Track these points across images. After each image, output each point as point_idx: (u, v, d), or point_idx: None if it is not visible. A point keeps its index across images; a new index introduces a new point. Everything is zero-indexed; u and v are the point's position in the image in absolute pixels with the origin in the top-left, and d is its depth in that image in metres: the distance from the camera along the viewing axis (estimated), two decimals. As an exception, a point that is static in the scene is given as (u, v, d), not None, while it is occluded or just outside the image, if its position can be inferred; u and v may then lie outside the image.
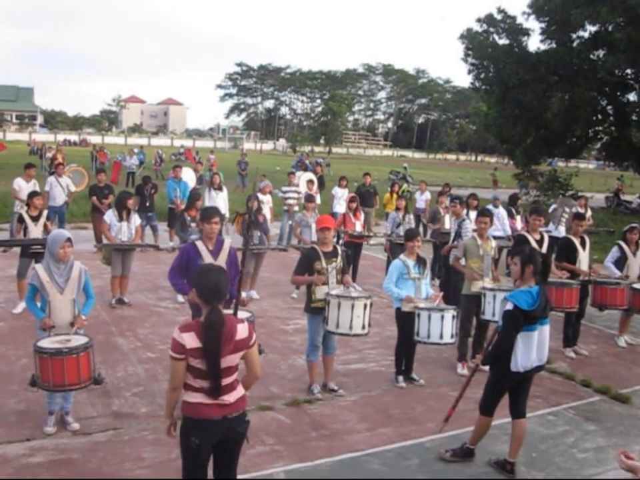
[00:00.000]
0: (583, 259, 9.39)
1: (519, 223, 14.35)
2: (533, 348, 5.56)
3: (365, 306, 7.14)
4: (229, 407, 4.12)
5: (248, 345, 4.17)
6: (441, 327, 7.40)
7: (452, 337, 7.52)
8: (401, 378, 7.90)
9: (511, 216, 14.22)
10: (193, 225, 10.93)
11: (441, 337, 7.44)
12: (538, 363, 5.66)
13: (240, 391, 4.23)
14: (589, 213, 15.44)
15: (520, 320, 5.42)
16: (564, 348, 9.47)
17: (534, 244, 8.78)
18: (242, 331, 4.13)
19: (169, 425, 4.30)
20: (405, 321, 7.71)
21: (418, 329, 7.52)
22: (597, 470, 6.03)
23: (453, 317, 7.50)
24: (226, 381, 4.08)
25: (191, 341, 3.97)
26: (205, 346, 3.95)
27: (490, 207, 12.74)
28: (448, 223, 13.03)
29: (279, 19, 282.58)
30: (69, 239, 6.19)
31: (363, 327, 7.17)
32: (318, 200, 16.08)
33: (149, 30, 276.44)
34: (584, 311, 9.66)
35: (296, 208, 16.10)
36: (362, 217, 12.84)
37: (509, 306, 5.45)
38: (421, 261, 7.91)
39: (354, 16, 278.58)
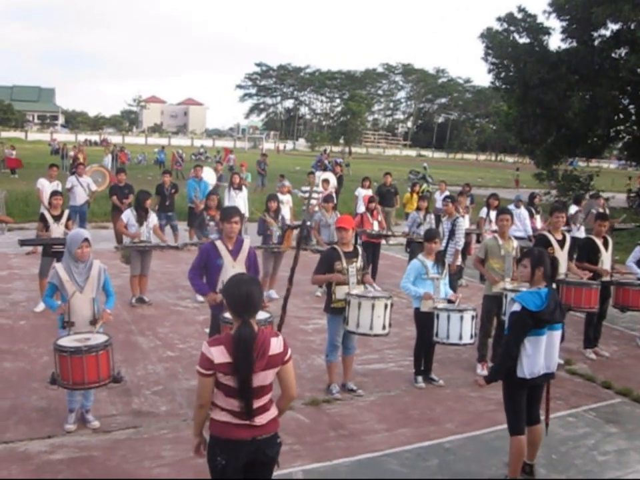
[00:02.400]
0: (605, 259, 9.28)
1: (538, 223, 14.28)
2: (541, 354, 5.36)
3: (386, 306, 7.12)
4: (259, 429, 3.86)
5: (282, 360, 3.88)
6: (460, 327, 7.36)
7: (471, 337, 7.47)
8: (420, 378, 7.88)
9: (530, 215, 14.15)
10: (212, 223, 10.96)
11: (460, 337, 7.39)
12: (546, 370, 5.45)
13: (272, 413, 3.97)
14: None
15: (528, 322, 5.26)
16: (585, 349, 9.38)
17: (555, 244, 8.71)
18: (276, 345, 3.84)
19: (197, 444, 4.05)
20: (424, 321, 7.68)
21: (437, 329, 7.48)
22: (618, 473, 5.96)
23: (473, 317, 7.46)
24: (258, 403, 3.83)
25: (219, 355, 3.71)
26: (236, 362, 3.68)
27: (511, 207, 12.65)
28: (467, 223, 12.98)
29: (298, 19, 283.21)
30: (86, 239, 6.23)
31: (384, 327, 7.15)
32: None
33: (169, 31, 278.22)
34: (606, 312, 9.56)
35: (316, 208, 16.09)
36: (380, 216, 12.82)
37: (516, 307, 5.30)
38: (439, 261, 7.88)
39: (374, 15, 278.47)
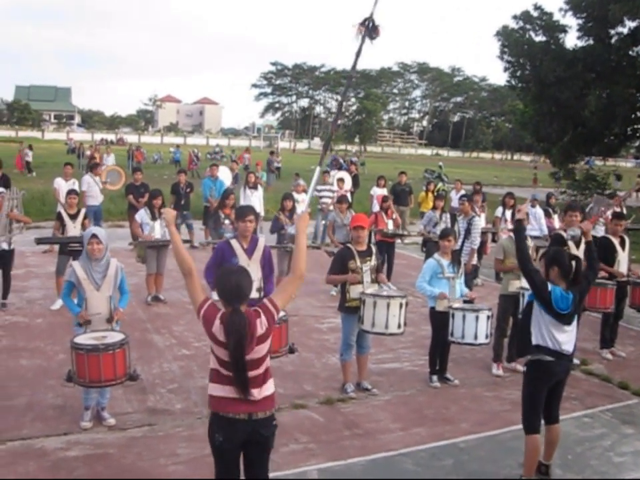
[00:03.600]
0: (622, 259, 9.20)
1: (556, 222, 14.19)
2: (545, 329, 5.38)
3: (401, 305, 7.11)
4: (255, 405, 4.03)
5: (268, 335, 4.06)
6: (475, 327, 7.34)
7: (486, 337, 7.45)
8: (435, 378, 7.86)
9: (547, 215, 14.07)
10: (227, 222, 10.96)
11: (476, 337, 7.37)
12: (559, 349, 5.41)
13: (269, 389, 4.13)
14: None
15: (548, 301, 5.26)
16: (601, 349, 9.32)
17: (570, 243, 8.65)
18: (260, 327, 4.00)
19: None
20: (439, 320, 7.67)
21: (452, 329, 7.47)
22: (635, 474, 5.92)
23: (488, 317, 7.43)
24: (253, 373, 4.00)
25: (219, 331, 3.93)
26: (229, 345, 3.90)
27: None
28: (483, 221, 12.93)
29: (313, 18, 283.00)
30: (94, 235, 6.26)
31: (399, 326, 7.14)
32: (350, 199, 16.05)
33: (184, 30, 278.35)
34: (622, 312, 9.49)
35: (331, 207, 16.11)
36: (395, 215, 12.80)
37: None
38: (455, 260, 7.86)
39: (389, 14, 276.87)
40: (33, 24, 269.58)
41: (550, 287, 5.29)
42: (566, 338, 5.41)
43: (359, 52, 4.83)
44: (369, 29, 4.72)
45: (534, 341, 5.43)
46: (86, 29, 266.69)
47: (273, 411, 4.15)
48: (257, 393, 4.03)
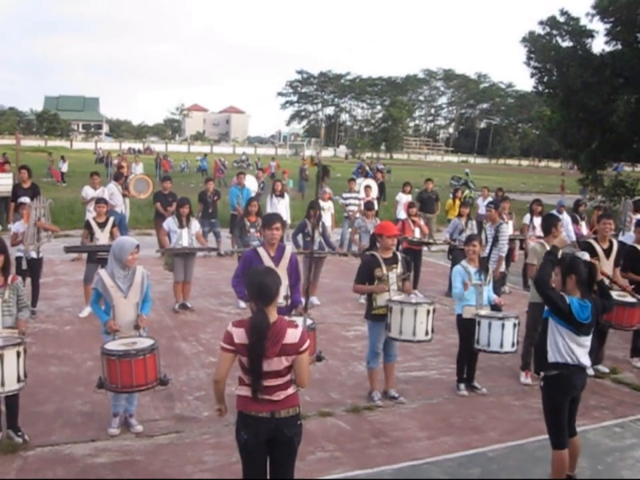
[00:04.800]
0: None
1: (584, 229, 14.07)
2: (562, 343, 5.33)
3: (428, 312, 7.08)
4: (277, 404, 4.14)
5: (297, 350, 4.14)
6: (501, 335, 7.29)
7: (512, 345, 7.38)
8: (462, 386, 7.80)
9: (575, 222, 13.95)
10: (252, 230, 10.98)
11: (502, 345, 7.32)
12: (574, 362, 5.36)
13: (290, 390, 4.23)
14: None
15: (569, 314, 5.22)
16: (632, 357, 9.19)
17: (600, 253, 8.52)
18: (292, 335, 4.13)
19: (218, 408, 4.47)
20: (466, 328, 7.62)
21: (478, 336, 7.42)
22: (667, 484, 5.83)
23: (515, 325, 7.37)
24: (272, 382, 4.12)
25: (240, 336, 4.07)
26: (249, 344, 4.03)
27: (554, 212, 12.48)
28: (511, 229, 12.84)
29: (338, 26, 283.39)
30: (137, 246, 6.35)
31: (427, 333, 7.11)
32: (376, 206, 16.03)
33: (210, 41, 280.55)
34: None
35: (357, 215, 16.11)
36: (421, 221, 12.75)
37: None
38: (483, 268, 7.81)
39: (414, 21, 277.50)
40: (62, 36, 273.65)
41: (568, 299, 5.26)
42: (583, 351, 5.36)
43: None
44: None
45: (551, 359, 5.39)
46: (113, 40, 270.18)
47: (296, 410, 4.25)
48: (278, 395, 4.16)
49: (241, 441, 4.17)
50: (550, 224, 8.40)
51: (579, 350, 5.32)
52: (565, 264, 5.44)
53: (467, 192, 24.74)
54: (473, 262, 7.80)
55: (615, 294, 8.43)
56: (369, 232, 11.57)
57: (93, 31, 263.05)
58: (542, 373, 5.52)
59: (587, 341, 5.38)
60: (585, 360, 5.37)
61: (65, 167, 35.88)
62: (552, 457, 5.43)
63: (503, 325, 7.30)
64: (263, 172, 24.06)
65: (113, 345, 5.94)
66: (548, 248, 8.18)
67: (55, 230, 10.89)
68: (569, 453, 5.53)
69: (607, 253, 8.60)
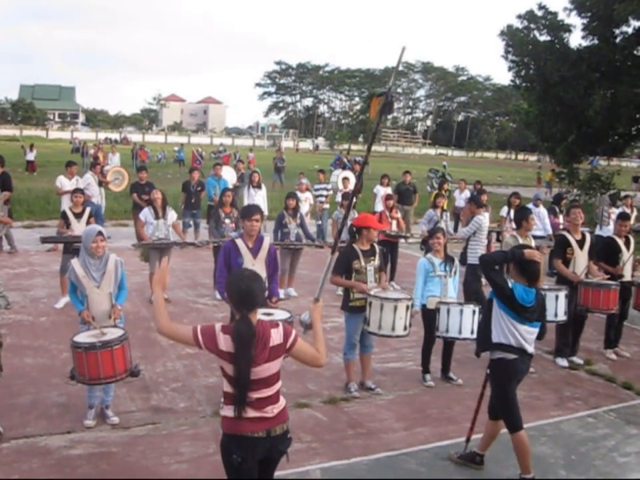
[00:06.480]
0: (627, 259, 9.19)
1: (562, 221, 14.20)
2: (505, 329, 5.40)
3: (407, 307, 7.11)
4: (272, 421, 3.90)
5: (285, 349, 3.91)
6: (460, 321, 7.38)
7: (472, 332, 7.40)
8: (428, 377, 7.87)
9: (554, 214, 14.08)
10: (227, 221, 10.92)
11: (460, 331, 7.41)
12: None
13: (281, 404, 3.99)
14: (635, 213, 15.14)
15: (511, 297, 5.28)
16: (605, 349, 9.31)
17: (574, 244, 8.64)
18: (276, 336, 3.88)
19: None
20: (431, 318, 7.68)
21: (438, 323, 7.53)
22: (638, 475, 5.90)
23: (474, 312, 7.43)
24: (261, 394, 3.86)
25: (227, 344, 3.80)
26: (235, 354, 3.77)
27: (530, 205, 12.58)
28: (487, 221, 12.90)
29: (317, 17, 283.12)
30: (100, 233, 6.28)
31: (405, 328, 7.13)
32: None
33: (189, 30, 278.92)
34: (626, 312, 9.46)
35: (325, 206, 16.22)
36: (398, 214, 12.78)
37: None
38: (448, 259, 7.87)
39: (393, 13, 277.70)
40: (38, 23, 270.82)
41: (511, 283, 5.35)
42: (528, 337, 5.43)
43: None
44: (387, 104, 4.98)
45: (495, 339, 5.45)
46: (90, 28, 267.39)
47: (288, 424, 4.05)
48: (271, 410, 3.92)
49: (234, 464, 3.86)
50: (521, 217, 8.60)
51: (523, 334, 5.38)
52: (510, 254, 5.54)
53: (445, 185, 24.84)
54: (438, 253, 7.88)
55: (595, 280, 8.60)
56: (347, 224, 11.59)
57: (71, 19, 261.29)
58: (490, 359, 5.58)
59: (533, 329, 5.43)
60: (529, 346, 5.44)
61: (31, 156, 35.11)
62: (513, 441, 5.48)
63: (461, 311, 7.39)
64: (243, 162, 23.91)
65: (81, 337, 5.91)
66: (520, 241, 8.31)
67: (8, 222, 10.73)
68: (490, 434, 5.74)
69: (581, 244, 8.70)
